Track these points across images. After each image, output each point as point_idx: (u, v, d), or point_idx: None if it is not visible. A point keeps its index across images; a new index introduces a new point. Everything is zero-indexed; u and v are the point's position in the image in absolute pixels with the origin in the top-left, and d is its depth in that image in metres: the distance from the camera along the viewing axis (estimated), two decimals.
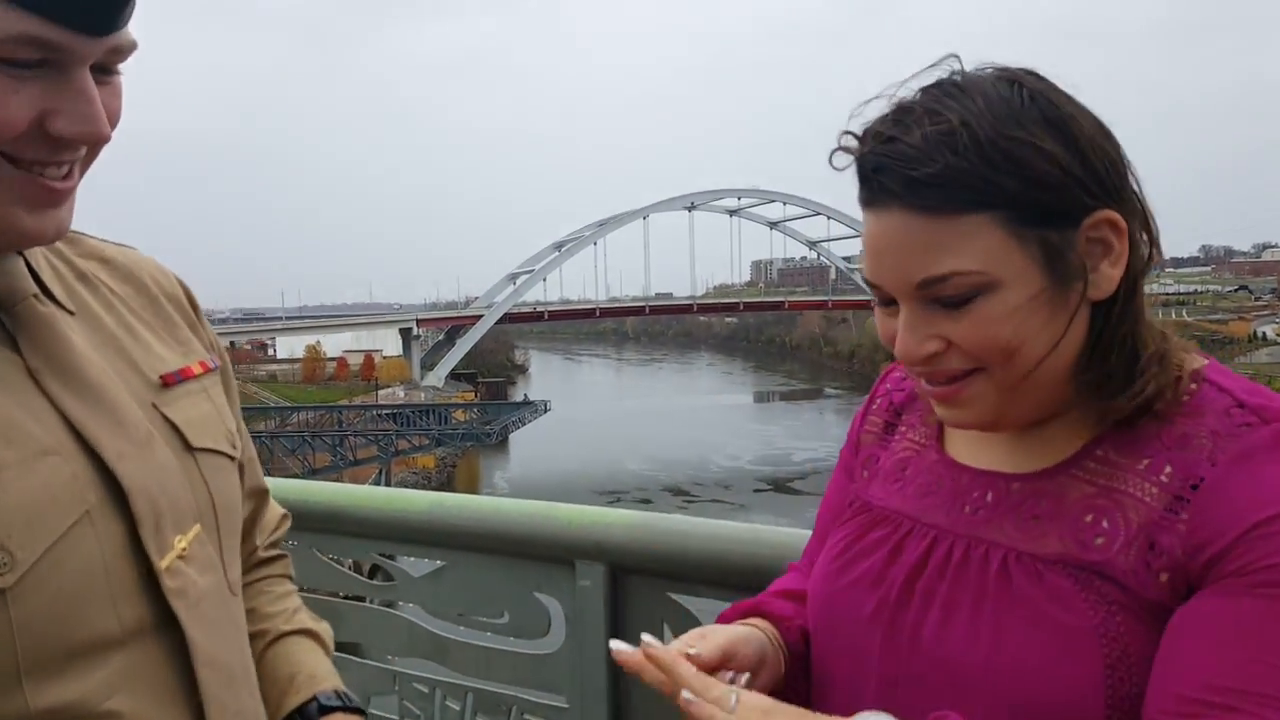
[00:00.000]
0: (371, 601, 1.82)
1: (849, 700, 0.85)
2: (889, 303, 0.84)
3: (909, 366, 0.85)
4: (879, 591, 0.87)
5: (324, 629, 1.08)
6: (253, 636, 1.00)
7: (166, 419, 0.84)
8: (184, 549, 0.79)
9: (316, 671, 1.01)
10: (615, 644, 0.80)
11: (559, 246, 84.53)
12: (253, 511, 1.07)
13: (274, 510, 1.13)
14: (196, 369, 0.90)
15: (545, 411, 50.65)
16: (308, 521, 1.76)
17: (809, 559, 1.07)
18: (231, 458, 0.90)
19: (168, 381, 0.86)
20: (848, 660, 0.89)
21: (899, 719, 0.77)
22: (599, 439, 51.51)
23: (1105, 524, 0.78)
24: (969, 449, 0.91)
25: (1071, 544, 0.79)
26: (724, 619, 0.95)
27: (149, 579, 0.76)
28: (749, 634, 0.89)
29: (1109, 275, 0.80)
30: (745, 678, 0.84)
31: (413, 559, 1.84)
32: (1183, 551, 0.74)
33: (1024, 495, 0.84)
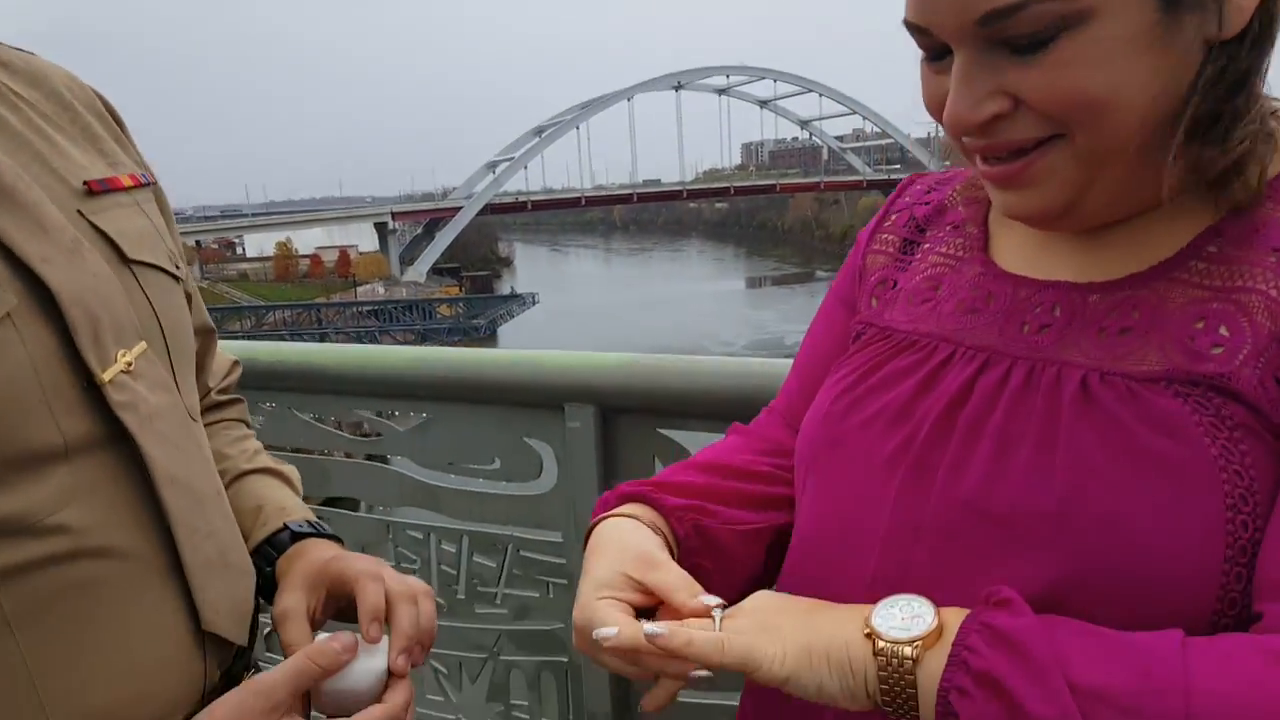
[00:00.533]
0: (359, 458, 1.88)
1: (840, 576, 0.73)
2: (939, 55, 0.67)
3: (961, 137, 0.68)
4: (904, 428, 0.72)
5: (290, 470, 1.10)
6: None
7: (96, 228, 0.80)
8: (129, 364, 0.77)
9: (285, 504, 1.02)
10: (600, 634, 0.69)
11: (539, 132, 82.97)
12: (200, 350, 1.05)
13: (222, 355, 1.14)
14: (126, 181, 0.87)
15: (533, 304, 50.64)
16: (284, 382, 1.80)
17: (781, 407, 0.97)
18: (176, 277, 0.89)
19: (93, 189, 0.82)
20: (848, 522, 0.74)
21: (921, 590, 0.65)
22: (589, 330, 51.63)
23: (1224, 330, 0.63)
24: (1025, 258, 0.75)
25: (1179, 355, 0.63)
26: (604, 503, 0.82)
27: (93, 392, 0.74)
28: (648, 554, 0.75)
29: (1241, 4, 0.61)
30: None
31: (398, 414, 1.89)
32: None
33: (1107, 307, 0.68)
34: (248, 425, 1.15)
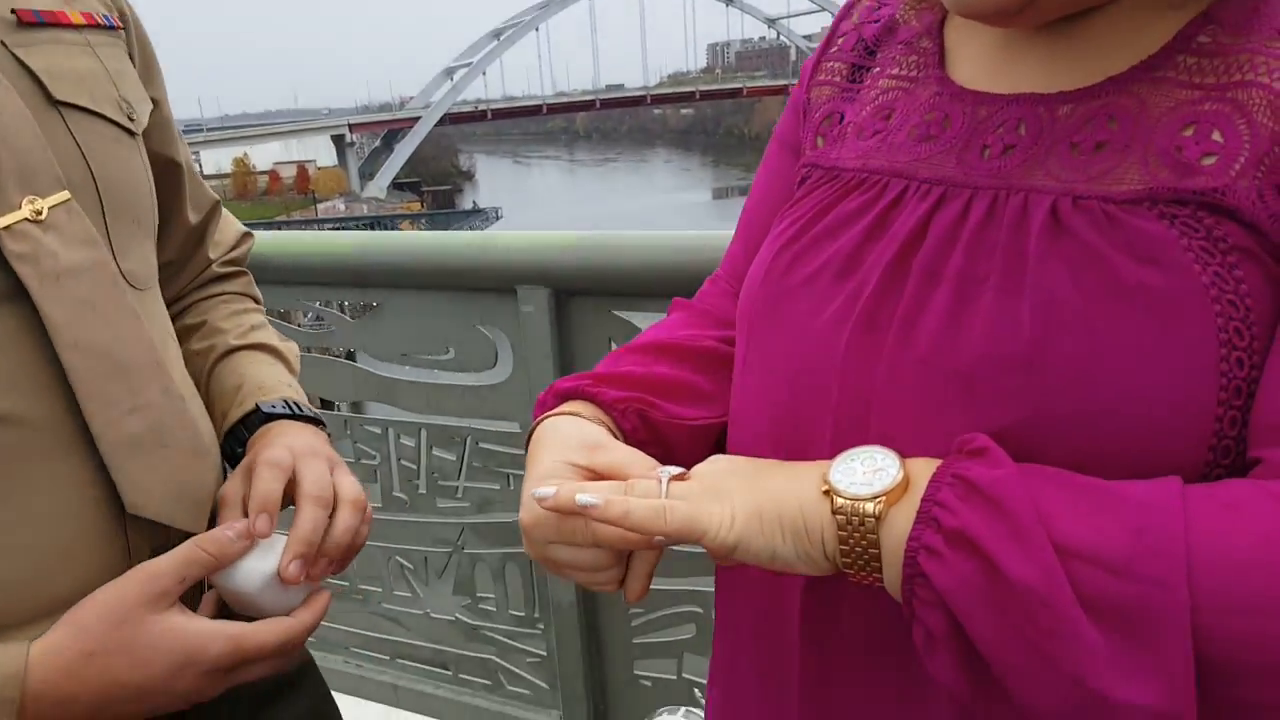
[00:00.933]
0: (309, 350, 1.84)
1: (787, 452, 0.66)
2: None
3: None
4: (851, 280, 0.64)
5: (288, 348, 1.05)
6: (201, 353, 0.99)
7: (21, 63, 0.74)
8: (38, 212, 0.71)
9: (265, 382, 0.96)
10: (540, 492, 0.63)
11: (497, 35, 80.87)
12: (202, 223, 1.03)
13: (231, 225, 1.10)
14: (75, 17, 0.80)
15: (496, 219, 49.96)
16: None
17: (725, 274, 0.90)
18: (123, 127, 0.82)
19: (26, 20, 0.76)
20: (794, 397, 0.66)
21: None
22: None
23: (1217, 136, 0.55)
24: (987, 70, 0.67)
25: (1164, 170, 0.55)
26: (541, 404, 0.77)
27: None
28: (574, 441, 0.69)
29: None
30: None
31: (347, 303, 1.84)
32: None
33: (1080, 118, 0.60)
34: (256, 300, 1.10)
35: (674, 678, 1.66)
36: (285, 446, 0.86)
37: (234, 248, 1.09)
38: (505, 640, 1.79)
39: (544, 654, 1.77)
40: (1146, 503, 0.49)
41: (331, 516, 0.83)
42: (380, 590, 1.87)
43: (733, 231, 0.90)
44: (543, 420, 0.73)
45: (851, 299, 0.63)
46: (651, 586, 1.58)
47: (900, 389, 0.59)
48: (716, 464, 0.63)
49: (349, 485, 0.86)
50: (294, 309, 1.78)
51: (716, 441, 0.78)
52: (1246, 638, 0.46)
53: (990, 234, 0.59)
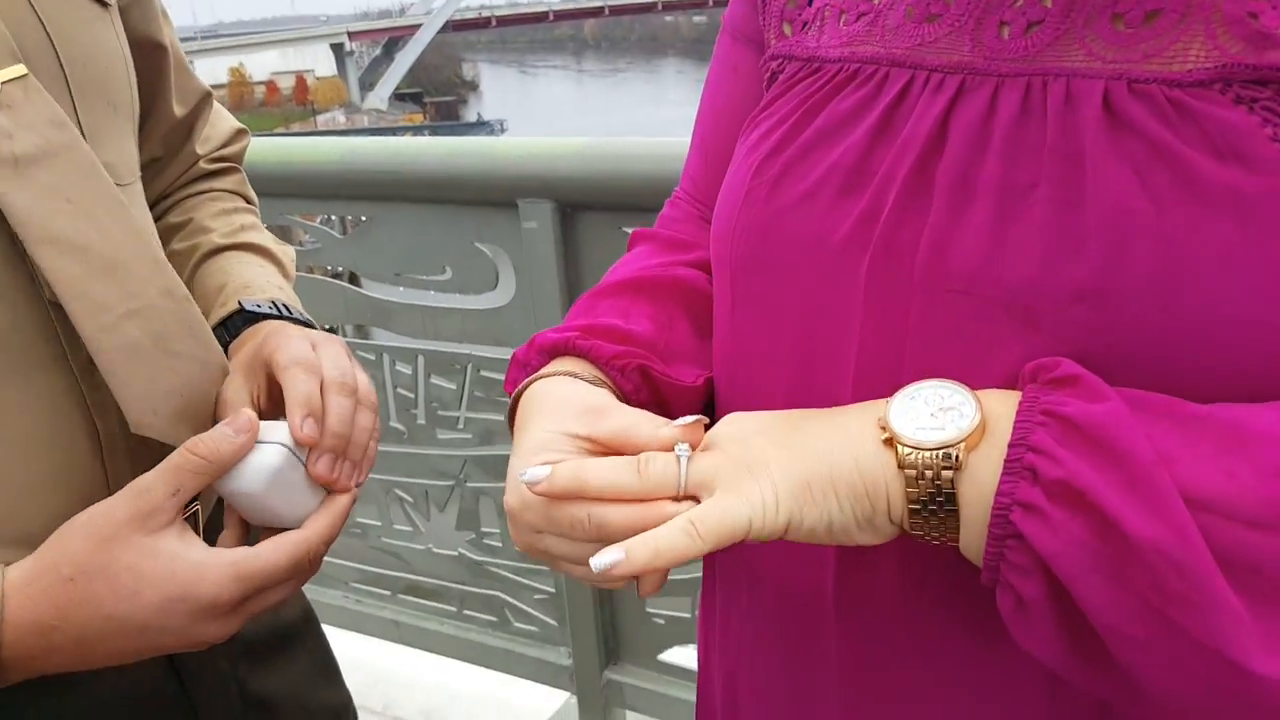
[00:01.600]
0: (305, 269, 1.74)
1: (813, 391, 0.56)
2: None
3: None
4: (861, 198, 0.53)
5: (282, 251, 0.95)
6: (184, 253, 0.89)
7: None
8: None
9: (252, 282, 0.86)
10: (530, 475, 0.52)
11: None
12: (190, 116, 0.93)
13: (223, 120, 0.99)
14: None
15: (502, 132, 49.38)
16: None
17: (686, 195, 0.78)
18: (100, 1, 0.72)
19: None
20: (800, 351, 0.56)
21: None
22: None
23: None
24: None
25: (1234, 42, 0.45)
26: (521, 363, 0.65)
27: None
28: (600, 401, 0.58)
29: None
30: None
31: (334, 217, 1.73)
32: None
33: None
34: (247, 200, 1.00)
35: (687, 615, 1.59)
36: (305, 339, 0.75)
37: (226, 144, 0.99)
38: (511, 577, 1.72)
39: (552, 590, 1.70)
40: (1277, 436, 0.42)
41: None
42: (380, 524, 1.80)
43: None
44: (531, 383, 0.62)
45: (866, 220, 0.52)
46: None
47: (938, 329, 0.50)
48: (740, 424, 0.52)
49: (366, 383, 0.76)
50: (290, 226, 1.67)
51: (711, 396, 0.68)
52: None
53: (1030, 132, 0.48)
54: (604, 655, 1.68)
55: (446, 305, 1.59)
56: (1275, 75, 0.44)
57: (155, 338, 0.68)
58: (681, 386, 0.65)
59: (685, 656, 1.65)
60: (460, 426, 1.65)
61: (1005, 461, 0.43)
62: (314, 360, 0.73)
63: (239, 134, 1.01)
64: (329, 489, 0.71)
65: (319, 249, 1.64)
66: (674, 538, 0.46)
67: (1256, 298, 0.43)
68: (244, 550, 0.64)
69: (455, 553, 1.75)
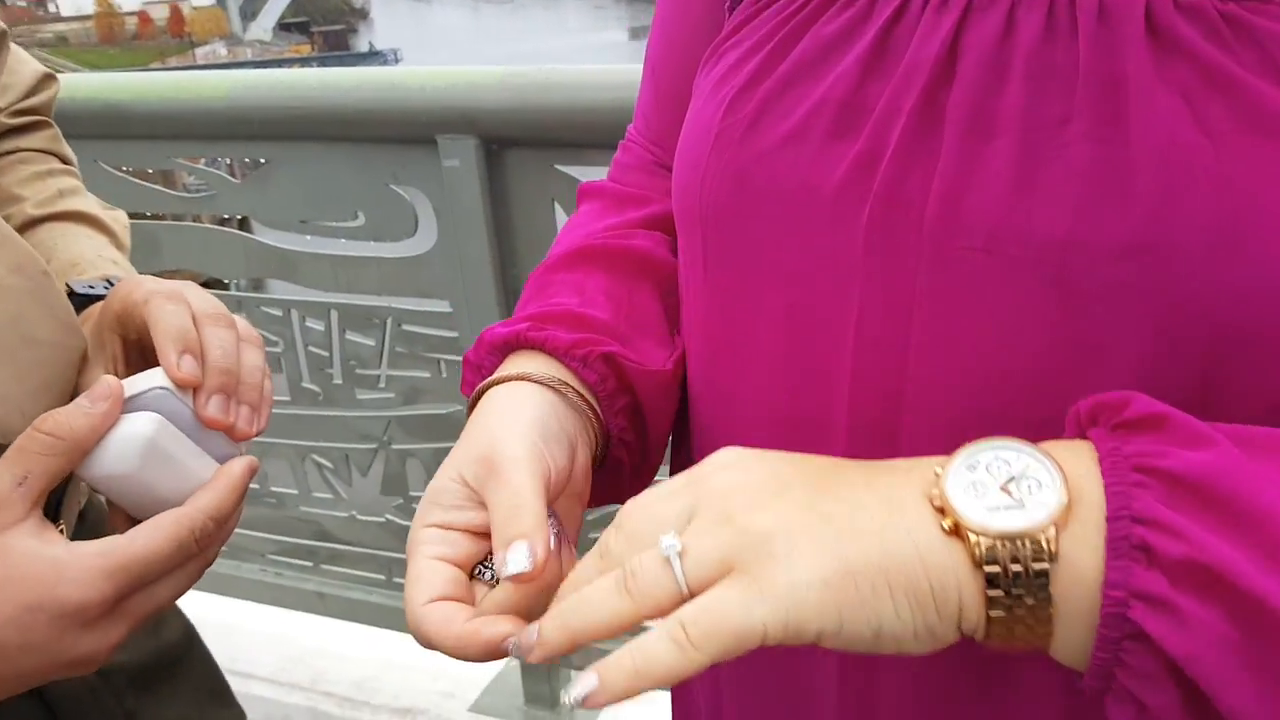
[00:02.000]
0: (191, 219, 1.58)
1: (786, 428, 0.48)
2: None
3: None
4: (857, 138, 0.44)
5: (114, 218, 0.81)
6: None
7: None
8: None
9: (80, 258, 0.74)
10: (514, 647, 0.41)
11: None
12: None
13: (24, 65, 0.84)
14: None
15: (396, 62, 47.84)
16: (78, 125, 1.44)
17: (641, 136, 0.68)
18: None
19: None
20: (794, 305, 0.47)
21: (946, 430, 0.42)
22: None
23: None
24: None
25: None
26: (474, 365, 0.57)
27: None
28: (537, 454, 0.48)
29: None
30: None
31: (229, 160, 1.57)
32: None
33: None
34: (62, 159, 0.86)
35: None
36: (156, 281, 0.63)
37: (29, 94, 0.83)
38: None
39: None
40: None
41: None
42: (296, 493, 1.68)
43: None
44: (484, 391, 0.53)
45: (863, 165, 0.43)
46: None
47: (952, 295, 0.42)
48: (748, 472, 0.39)
49: (244, 321, 0.64)
50: (174, 170, 1.51)
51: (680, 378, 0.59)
52: None
53: (1058, 55, 0.40)
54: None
55: (360, 254, 1.45)
56: None
57: (12, 323, 0.55)
58: (651, 372, 0.55)
59: None
60: (381, 385, 1.53)
61: (1108, 541, 0.33)
62: (177, 290, 0.60)
63: (45, 80, 0.85)
64: (228, 437, 0.58)
65: (211, 196, 1.48)
66: (658, 653, 0.35)
67: None
68: (112, 539, 0.52)
69: (382, 519, 1.64)
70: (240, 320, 0.63)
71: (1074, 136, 0.39)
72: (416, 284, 1.43)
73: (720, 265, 0.51)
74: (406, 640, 1.74)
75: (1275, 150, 0.36)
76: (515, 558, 0.42)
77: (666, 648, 0.35)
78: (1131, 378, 0.39)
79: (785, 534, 0.35)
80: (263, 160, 1.42)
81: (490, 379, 0.53)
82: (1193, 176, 0.37)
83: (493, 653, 0.42)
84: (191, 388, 0.56)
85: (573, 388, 0.52)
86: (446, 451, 1.61)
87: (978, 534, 0.34)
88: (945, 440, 0.38)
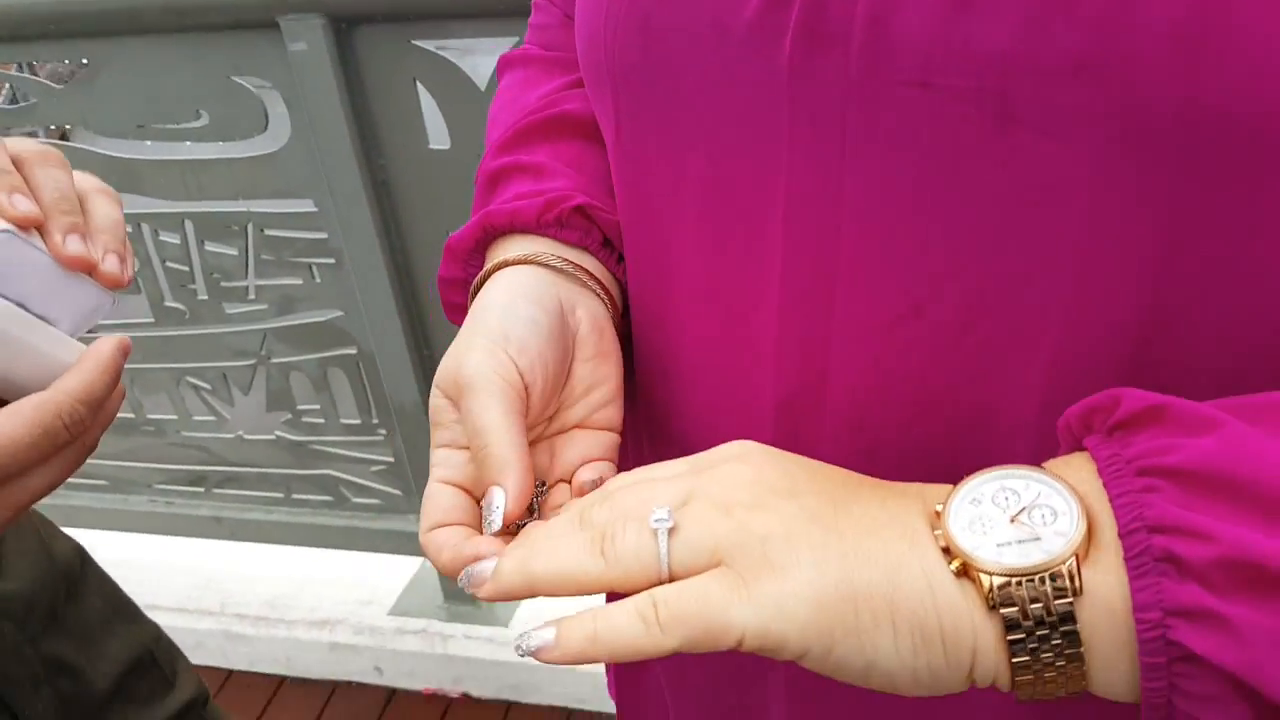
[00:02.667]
0: (9, 132, 1.42)
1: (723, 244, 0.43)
2: None
3: None
4: None
5: None
6: None
7: None
8: None
9: None
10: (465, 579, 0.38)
11: None
12: None
13: None
14: None
15: None
16: None
17: None
18: None
19: None
20: (715, 159, 0.42)
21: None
22: None
23: None
24: None
25: None
26: (454, 251, 0.52)
27: None
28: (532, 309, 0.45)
29: None
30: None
31: (50, 65, 1.41)
32: None
33: None
34: None
35: None
36: None
37: None
38: (341, 453, 1.57)
39: (391, 460, 1.56)
40: None
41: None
42: (176, 419, 1.59)
43: None
44: (490, 277, 0.48)
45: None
46: None
47: (887, 139, 0.36)
48: (758, 469, 0.35)
49: (83, 174, 0.54)
50: None
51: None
52: None
53: None
54: None
55: (209, 157, 1.33)
56: None
57: None
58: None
59: None
60: (251, 297, 1.44)
61: (1127, 558, 0.29)
62: None
63: None
64: (97, 285, 0.50)
65: (31, 106, 1.33)
66: (622, 625, 0.32)
67: None
68: None
69: (272, 436, 1.57)
70: (89, 175, 0.54)
71: None
72: (274, 183, 1.32)
73: (634, 128, 0.45)
74: (318, 554, 1.70)
75: None
76: (492, 517, 0.39)
77: (632, 621, 0.32)
78: (1085, 226, 0.34)
79: (786, 541, 0.32)
80: (85, 61, 1.28)
81: (493, 264, 0.48)
82: None
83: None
84: (34, 227, 0.48)
85: (556, 256, 0.48)
86: (334, 360, 1.52)
87: (989, 573, 0.30)
88: (885, 315, 0.36)
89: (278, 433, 1.56)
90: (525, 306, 0.45)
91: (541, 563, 0.35)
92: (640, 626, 0.32)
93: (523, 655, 0.34)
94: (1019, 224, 0.35)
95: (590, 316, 0.48)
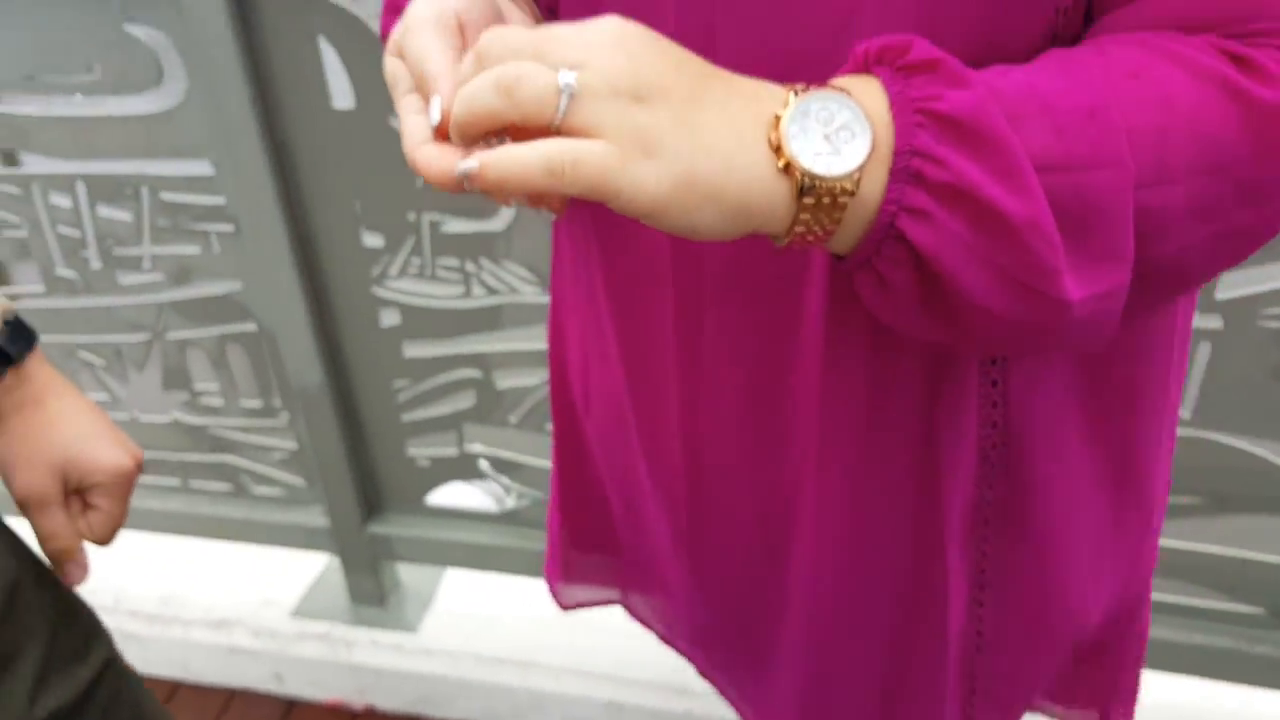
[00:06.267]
0: None
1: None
2: None
3: None
4: None
5: None
6: None
7: None
8: None
9: None
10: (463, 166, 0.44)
11: None
12: None
13: None
14: None
15: None
16: None
17: None
18: None
19: None
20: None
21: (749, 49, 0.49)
22: None
23: None
24: None
25: None
26: (388, 12, 0.62)
27: None
28: None
29: None
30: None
31: None
32: None
33: None
34: None
35: (454, 453, 1.45)
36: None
37: None
38: (241, 437, 1.51)
39: (294, 447, 1.51)
40: (1084, 80, 0.45)
41: None
42: None
43: None
44: None
45: None
46: (416, 354, 1.31)
47: None
48: (638, 60, 0.42)
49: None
50: None
51: None
52: (1165, 211, 0.45)
53: None
54: (364, 509, 1.52)
55: (100, 113, 1.29)
56: None
57: None
58: None
59: (454, 496, 1.52)
60: (147, 266, 1.38)
61: (891, 170, 0.43)
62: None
63: None
64: None
65: None
66: (532, 162, 0.40)
67: None
68: None
69: (168, 418, 1.51)
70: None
71: None
72: (170, 141, 1.28)
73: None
74: (215, 547, 1.63)
75: None
76: (431, 109, 0.46)
77: (541, 164, 0.40)
78: (878, 27, 0.46)
79: (659, 134, 0.41)
80: None
81: None
82: None
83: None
84: None
85: None
86: (234, 337, 1.47)
87: (807, 175, 0.42)
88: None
89: (175, 415, 1.51)
90: None
91: (459, 110, 0.42)
92: (546, 169, 0.40)
93: (461, 178, 0.42)
94: None
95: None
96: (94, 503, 0.75)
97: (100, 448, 0.75)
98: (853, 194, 0.43)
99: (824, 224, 0.44)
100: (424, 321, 1.34)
